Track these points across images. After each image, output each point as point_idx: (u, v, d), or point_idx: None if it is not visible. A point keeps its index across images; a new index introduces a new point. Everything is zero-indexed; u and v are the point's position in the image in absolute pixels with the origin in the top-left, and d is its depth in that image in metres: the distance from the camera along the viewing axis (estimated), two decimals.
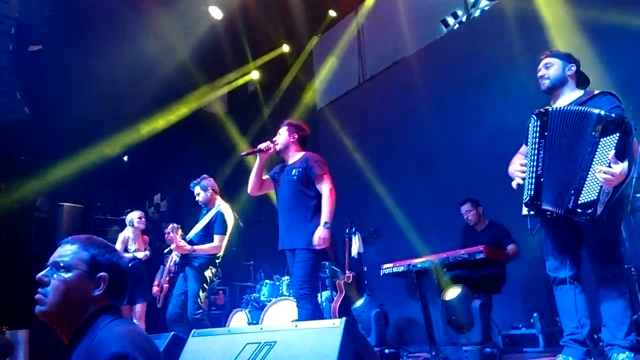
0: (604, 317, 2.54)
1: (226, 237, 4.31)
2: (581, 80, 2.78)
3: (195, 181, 4.53)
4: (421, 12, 6.55)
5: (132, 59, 6.98)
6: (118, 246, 4.98)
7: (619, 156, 2.27)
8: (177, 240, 4.09)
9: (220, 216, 4.28)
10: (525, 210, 2.63)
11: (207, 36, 7.23)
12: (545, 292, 4.14)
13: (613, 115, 2.33)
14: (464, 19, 6.12)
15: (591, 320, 2.62)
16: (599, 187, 2.31)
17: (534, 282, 4.64)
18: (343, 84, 7.68)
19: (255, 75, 8.65)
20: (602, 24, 4.47)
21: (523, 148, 2.80)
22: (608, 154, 2.29)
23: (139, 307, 4.96)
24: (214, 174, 5.08)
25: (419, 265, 4.15)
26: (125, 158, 9.21)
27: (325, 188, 3.38)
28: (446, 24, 6.29)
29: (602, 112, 2.34)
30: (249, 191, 3.62)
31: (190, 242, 4.23)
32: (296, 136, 3.62)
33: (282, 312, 5.13)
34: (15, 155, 8.18)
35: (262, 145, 3.48)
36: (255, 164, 3.52)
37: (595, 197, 2.33)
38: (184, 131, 8.66)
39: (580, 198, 2.37)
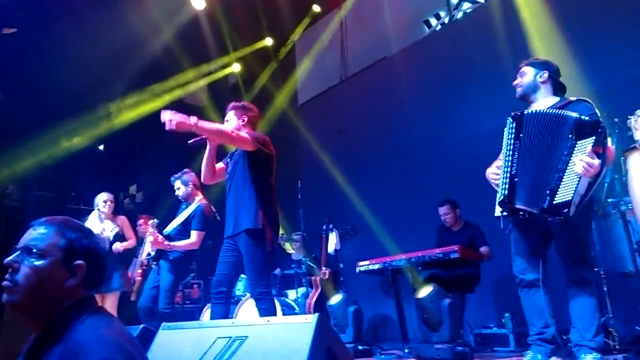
0: (573, 318, 2.59)
1: (204, 234, 4.25)
2: (558, 87, 2.84)
3: (176, 175, 4.45)
4: (404, 12, 6.58)
5: (109, 46, 6.83)
6: None
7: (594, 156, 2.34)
8: (155, 235, 4.02)
9: (199, 212, 4.22)
10: (498, 211, 2.68)
11: (188, 26, 7.13)
12: (518, 293, 4.20)
13: (588, 118, 2.39)
14: (446, 20, 6.16)
15: (556, 320, 2.68)
16: (574, 188, 2.36)
17: (507, 283, 4.68)
18: (324, 80, 7.66)
19: (236, 67, 8.56)
20: (582, 27, 4.56)
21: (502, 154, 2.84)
22: (584, 155, 2.33)
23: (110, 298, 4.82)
24: (191, 165, 4.98)
25: (394, 264, 4.19)
26: (101, 147, 9.03)
27: (239, 132, 3.10)
28: (429, 25, 6.33)
29: (578, 115, 2.41)
30: (202, 180, 3.41)
31: (168, 237, 4.16)
32: (245, 118, 3.34)
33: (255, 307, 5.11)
34: None
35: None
36: (206, 152, 3.27)
37: (569, 198, 2.37)
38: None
39: (556, 198, 2.42)
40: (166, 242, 4.05)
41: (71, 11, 6.57)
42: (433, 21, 6.29)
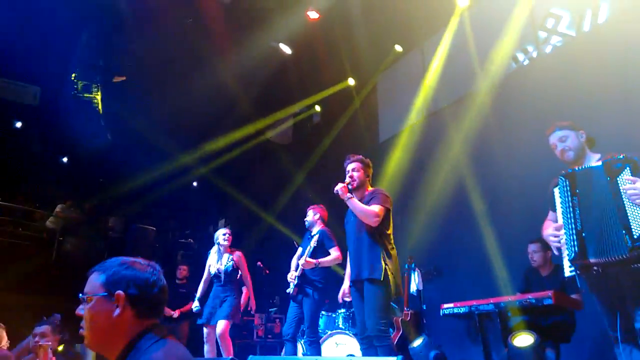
0: None
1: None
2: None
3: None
4: (490, 48, 6.47)
5: (205, 91, 7.39)
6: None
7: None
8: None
9: (325, 234, 4.72)
10: (568, 271, 2.62)
11: (276, 70, 7.56)
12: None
13: (615, 157, 2.52)
14: (534, 54, 5.98)
15: None
16: None
17: (603, 334, 4.32)
18: (407, 118, 7.67)
19: (320, 107, 8.84)
20: None
21: (550, 215, 2.88)
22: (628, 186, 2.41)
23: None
24: (275, 202, 5.16)
25: (482, 308, 3.99)
26: (195, 184, 9.63)
27: (373, 207, 3.47)
28: (516, 60, 6.17)
29: (604, 159, 2.56)
30: None
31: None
32: (369, 173, 3.80)
33: (336, 345, 5.08)
34: (94, 177, 8.78)
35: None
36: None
37: None
38: (251, 160, 8.97)
39: (633, 232, 2.37)
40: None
41: (174, 60, 7.22)
42: (520, 56, 6.14)
